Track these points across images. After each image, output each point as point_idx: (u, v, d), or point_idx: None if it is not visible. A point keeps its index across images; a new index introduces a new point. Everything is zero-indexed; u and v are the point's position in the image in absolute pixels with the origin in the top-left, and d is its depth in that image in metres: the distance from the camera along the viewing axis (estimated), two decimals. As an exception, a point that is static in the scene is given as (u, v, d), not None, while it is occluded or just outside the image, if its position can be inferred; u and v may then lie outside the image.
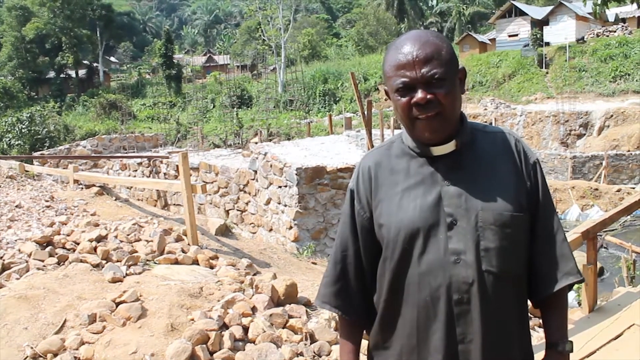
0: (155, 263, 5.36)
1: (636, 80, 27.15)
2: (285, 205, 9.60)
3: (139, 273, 5.02)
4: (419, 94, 1.42)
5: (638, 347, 3.46)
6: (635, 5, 37.43)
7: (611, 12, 37.98)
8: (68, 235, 5.90)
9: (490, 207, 1.45)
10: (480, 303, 1.42)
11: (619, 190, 15.58)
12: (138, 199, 12.21)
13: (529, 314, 1.66)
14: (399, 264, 1.48)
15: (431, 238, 1.45)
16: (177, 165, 11.16)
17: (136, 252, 5.53)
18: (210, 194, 11.97)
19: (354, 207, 1.60)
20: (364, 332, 1.66)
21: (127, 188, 13.44)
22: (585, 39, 32.22)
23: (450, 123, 1.48)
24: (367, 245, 1.58)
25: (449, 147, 1.50)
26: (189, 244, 6.14)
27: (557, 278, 1.51)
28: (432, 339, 1.45)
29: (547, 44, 33.28)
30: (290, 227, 9.42)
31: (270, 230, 10.22)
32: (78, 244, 5.64)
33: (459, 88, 1.50)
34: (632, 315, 3.96)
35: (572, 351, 1.54)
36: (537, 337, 4.21)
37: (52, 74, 52.09)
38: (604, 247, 10.29)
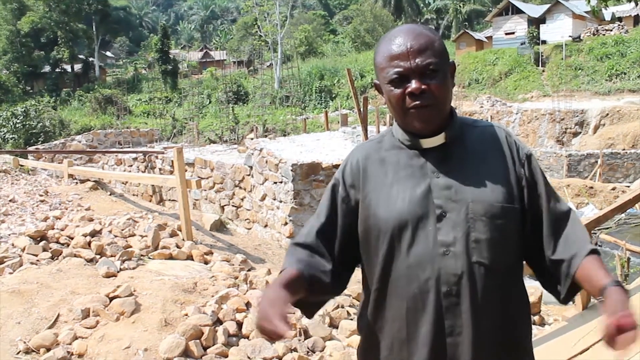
0: (149, 258, 5.35)
1: (632, 79, 27.22)
2: (281, 201, 9.59)
3: (133, 268, 5.01)
4: (414, 84, 1.42)
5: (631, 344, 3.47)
6: (632, 4, 37.50)
7: (608, 11, 38.06)
8: (62, 229, 5.88)
9: (480, 198, 1.44)
10: (469, 295, 1.41)
11: (614, 189, 15.61)
12: (133, 194, 12.18)
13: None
14: (388, 256, 1.47)
15: (420, 230, 1.44)
16: (172, 161, 11.13)
17: (130, 247, 5.52)
18: (205, 190, 11.95)
19: (336, 195, 1.59)
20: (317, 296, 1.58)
21: (122, 183, 13.39)
22: (581, 38, 32.27)
23: (442, 115, 1.48)
24: (344, 231, 1.57)
25: (438, 140, 1.50)
26: (183, 239, 6.13)
27: (583, 248, 1.46)
28: (421, 332, 1.44)
29: (544, 42, 33.34)
30: (286, 223, 9.41)
31: (266, 226, 10.21)
32: (72, 238, 5.62)
33: (450, 81, 1.50)
34: (626, 313, 3.96)
35: (624, 287, 1.38)
36: (533, 334, 4.21)
37: (47, 69, 51.85)
38: (599, 245, 10.32)
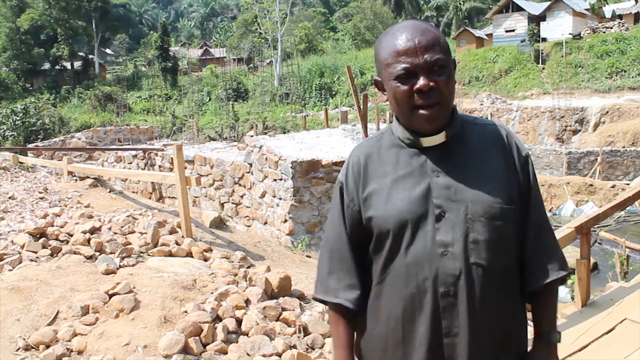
0: (149, 255, 5.34)
1: (632, 77, 27.19)
2: (280, 199, 9.59)
3: (133, 265, 5.01)
4: (422, 81, 1.40)
5: (629, 341, 3.48)
6: (632, 2, 37.46)
7: (608, 9, 37.97)
8: (61, 226, 5.88)
9: (480, 199, 1.43)
10: (467, 296, 1.41)
11: (613, 186, 15.61)
12: (132, 191, 12.18)
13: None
14: (387, 255, 1.47)
15: (419, 230, 1.43)
16: (172, 158, 11.12)
17: (130, 244, 5.52)
18: (205, 187, 11.94)
19: (343, 200, 1.58)
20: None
21: (122, 180, 13.39)
22: (581, 35, 32.24)
23: (447, 113, 1.47)
24: (356, 238, 1.56)
25: (439, 139, 1.48)
26: (183, 237, 6.13)
27: (548, 271, 1.51)
28: (417, 332, 1.43)
29: (544, 39, 33.29)
30: (285, 221, 9.42)
31: (265, 223, 10.21)
32: (71, 235, 5.62)
33: (453, 77, 1.49)
34: (625, 310, 3.97)
35: (559, 342, 1.54)
36: (530, 331, 4.22)
37: (47, 66, 51.78)
38: (598, 243, 10.32)
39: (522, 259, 1.52)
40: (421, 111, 1.42)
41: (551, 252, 1.53)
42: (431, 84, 1.40)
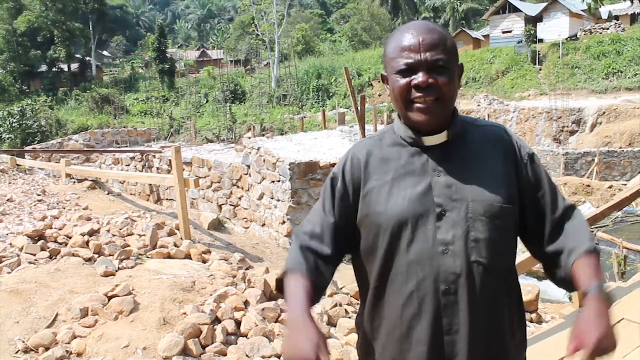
0: (147, 257, 5.35)
1: (628, 78, 27.26)
2: (278, 200, 9.60)
3: (131, 267, 5.01)
4: (420, 77, 1.42)
5: (627, 341, 3.49)
6: (628, 3, 37.54)
7: (604, 10, 38.10)
8: (60, 229, 5.88)
9: (480, 198, 1.45)
10: (467, 294, 1.42)
11: (610, 187, 15.64)
12: (130, 193, 12.17)
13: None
14: (387, 253, 1.47)
15: (420, 228, 1.44)
16: (169, 160, 11.12)
17: (128, 246, 5.52)
18: (203, 189, 11.94)
19: (336, 189, 1.58)
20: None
21: (120, 182, 13.39)
22: (577, 36, 32.32)
23: (446, 111, 1.48)
24: (340, 224, 1.56)
25: (440, 138, 1.50)
26: (181, 238, 6.13)
27: (584, 242, 1.47)
28: (417, 330, 1.44)
29: (541, 40, 33.37)
30: (283, 222, 9.42)
31: (263, 225, 10.21)
32: (70, 237, 5.62)
33: (457, 81, 1.51)
34: (622, 310, 3.98)
35: (611, 302, 1.40)
36: (529, 331, 4.23)
37: (44, 68, 51.71)
38: (596, 243, 10.35)
39: (560, 241, 1.51)
40: (417, 104, 1.44)
41: (577, 232, 1.51)
42: (430, 80, 1.42)
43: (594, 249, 1.47)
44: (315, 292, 1.49)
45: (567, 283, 1.49)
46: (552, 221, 1.53)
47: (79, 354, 3.57)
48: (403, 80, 1.45)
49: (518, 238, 1.58)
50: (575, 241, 1.49)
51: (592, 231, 9.33)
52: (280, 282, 1.53)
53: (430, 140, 1.50)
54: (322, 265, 1.53)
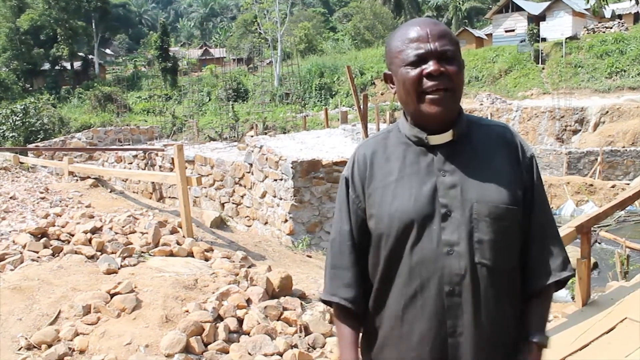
0: (150, 255, 5.35)
1: (632, 77, 27.20)
2: (281, 199, 9.60)
3: (134, 265, 5.02)
4: (432, 65, 1.42)
5: (630, 340, 3.49)
6: (632, 2, 37.43)
7: (608, 8, 38.01)
8: (63, 226, 5.89)
9: (485, 199, 1.44)
10: (471, 295, 1.41)
11: (613, 186, 15.61)
12: (133, 192, 12.19)
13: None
14: (392, 254, 1.47)
15: (425, 229, 1.43)
16: (172, 158, 11.13)
17: (131, 243, 5.53)
18: (205, 187, 11.95)
19: (349, 196, 1.58)
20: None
21: (122, 180, 13.41)
22: (578, 36, 32.22)
23: (456, 104, 1.48)
24: (360, 235, 1.57)
25: (446, 137, 1.49)
26: (184, 236, 6.14)
27: (549, 272, 1.51)
28: (420, 331, 1.44)
29: (544, 39, 33.30)
30: (286, 220, 9.42)
31: (266, 223, 10.22)
32: (73, 235, 5.63)
33: (464, 72, 1.51)
34: (625, 309, 3.98)
35: (546, 346, 1.51)
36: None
37: (47, 66, 51.76)
38: (598, 242, 10.33)
39: (525, 259, 1.53)
40: (429, 95, 1.43)
41: (554, 254, 1.53)
42: (441, 69, 1.42)
43: (558, 282, 1.52)
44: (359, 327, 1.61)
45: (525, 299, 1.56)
46: (535, 232, 1.53)
47: (81, 351, 3.57)
48: (414, 71, 1.44)
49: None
50: (543, 266, 1.52)
51: (595, 230, 9.31)
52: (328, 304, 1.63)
53: (435, 140, 1.49)
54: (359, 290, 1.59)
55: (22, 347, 3.57)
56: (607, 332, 3.70)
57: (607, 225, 10.76)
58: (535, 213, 1.52)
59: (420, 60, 1.43)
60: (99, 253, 5.20)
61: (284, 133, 21.13)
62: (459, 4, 51.28)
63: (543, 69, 30.97)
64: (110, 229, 5.85)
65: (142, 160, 14.62)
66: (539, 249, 1.52)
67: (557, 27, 33.72)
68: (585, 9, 31.61)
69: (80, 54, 54.18)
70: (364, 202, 1.55)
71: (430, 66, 1.42)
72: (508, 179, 1.48)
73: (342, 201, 1.60)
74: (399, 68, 1.47)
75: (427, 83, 1.43)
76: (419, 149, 1.51)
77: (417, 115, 1.49)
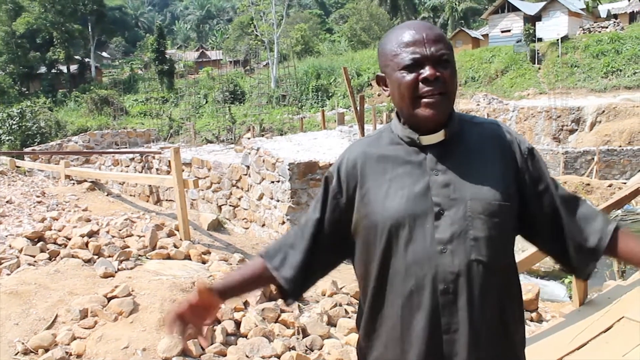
0: (147, 258, 5.35)
1: (628, 76, 27.27)
2: (278, 201, 9.59)
3: (131, 268, 5.01)
4: (428, 70, 1.42)
5: (627, 339, 3.49)
6: (627, 2, 37.58)
7: (603, 8, 38.15)
8: (59, 230, 5.88)
9: (479, 196, 1.45)
10: (466, 293, 1.42)
11: (610, 186, 15.63)
12: (130, 195, 12.17)
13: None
14: (385, 253, 1.47)
15: (418, 228, 1.44)
16: (169, 161, 11.12)
17: (128, 247, 5.52)
18: (202, 190, 11.94)
19: (328, 189, 1.60)
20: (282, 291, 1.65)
21: (119, 183, 13.38)
22: (569, 37, 32.30)
23: (450, 107, 1.48)
24: (331, 226, 1.59)
25: (438, 137, 1.49)
26: (181, 239, 6.13)
27: (605, 228, 1.54)
28: (416, 329, 1.44)
29: (540, 39, 33.38)
30: (283, 222, 9.41)
31: (263, 225, 10.21)
32: (69, 239, 5.62)
33: (457, 77, 1.51)
34: (622, 308, 3.98)
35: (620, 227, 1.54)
36: (529, 330, 4.23)
37: (43, 69, 51.70)
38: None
39: (572, 236, 1.53)
40: (425, 99, 1.43)
41: (596, 218, 1.55)
42: (437, 74, 1.42)
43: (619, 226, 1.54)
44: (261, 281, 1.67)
45: (593, 261, 1.55)
46: (567, 210, 1.54)
47: (78, 356, 3.56)
48: (410, 76, 1.43)
49: (517, 237, 1.58)
50: (598, 225, 1.53)
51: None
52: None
53: (428, 140, 1.49)
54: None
55: (19, 352, 3.56)
56: (604, 332, 3.70)
57: (604, 225, 10.78)
58: (554, 196, 1.54)
59: (416, 64, 1.43)
60: (95, 257, 5.19)
61: (281, 135, 21.13)
62: (455, 4, 51.42)
63: (539, 69, 31.03)
64: (107, 232, 5.84)
65: (139, 163, 14.59)
66: (588, 216, 1.54)
67: (553, 27, 33.80)
68: (581, 9, 31.77)
69: (77, 57, 54.12)
70: (344, 199, 1.56)
71: (426, 71, 1.42)
72: (501, 176, 1.49)
73: (320, 193, 1.62)
74: (394, 72, 1.47)
75: (423, 88, 1.43)
76: (411, 149, 1.51)
77: (411, 118, 1.49)
